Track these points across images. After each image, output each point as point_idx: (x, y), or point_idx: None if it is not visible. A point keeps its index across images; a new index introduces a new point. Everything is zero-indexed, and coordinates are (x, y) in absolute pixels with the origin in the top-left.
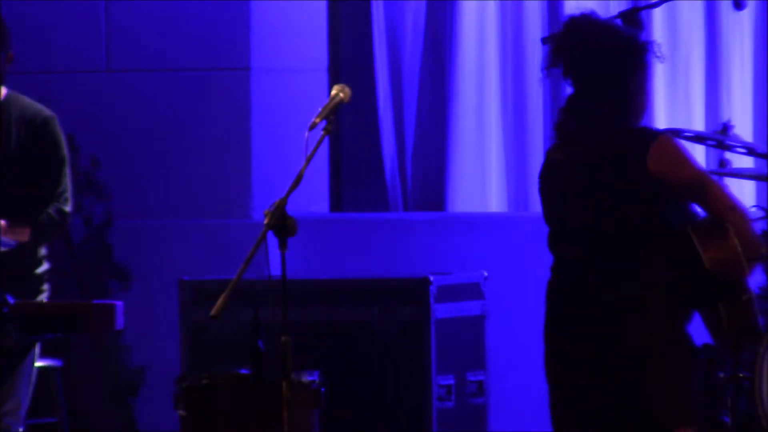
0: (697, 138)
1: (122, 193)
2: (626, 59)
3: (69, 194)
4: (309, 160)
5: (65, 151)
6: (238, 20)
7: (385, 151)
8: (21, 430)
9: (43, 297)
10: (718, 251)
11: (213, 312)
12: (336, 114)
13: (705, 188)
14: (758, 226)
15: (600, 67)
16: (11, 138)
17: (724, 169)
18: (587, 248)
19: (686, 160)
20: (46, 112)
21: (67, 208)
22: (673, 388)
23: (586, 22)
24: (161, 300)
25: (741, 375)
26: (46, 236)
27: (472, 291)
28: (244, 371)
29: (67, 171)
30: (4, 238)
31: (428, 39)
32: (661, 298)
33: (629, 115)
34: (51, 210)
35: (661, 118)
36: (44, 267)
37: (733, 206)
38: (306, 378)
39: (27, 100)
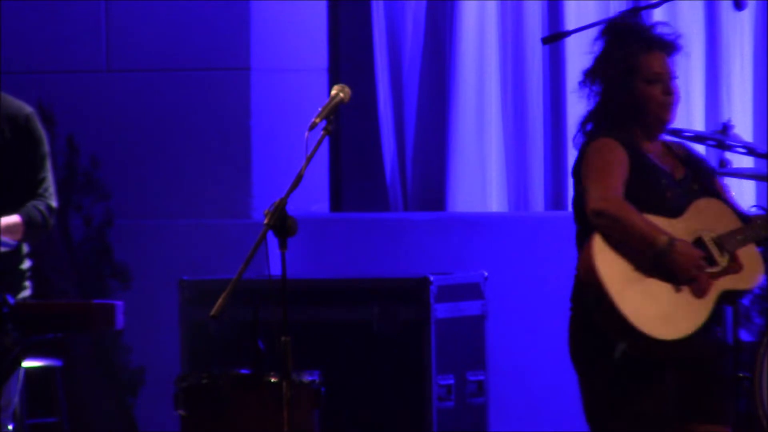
0: (697, 138)
1: (122, 193)
2: (628, 65)
3: (53, 189)
4: (309, 160)
5: (47, 146)
6: (238, 20)
7: (385, 151)
8: (11, 427)
9: (25, 294)
10: (581, 257)
11: (213, 312)
12: (336, 114)
13: (585, 192)
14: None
15: (608, 72)
16: None
17: (724, 169)
18: None
19: (587, 164)
20: (28, 108)
21: (54, 204)
22: (581, 384)
23: (613, 24)
24: (161, 300)
25: (741, 375)
26: (36, 233)
27: (472, 291)
28: (244, 371)
29: (50, 165)
30: (5, 239)
31: (428, 39)
32: (575, 293)
33: (634, 120)
34: (41, 206)
35: None
36: (27, 264)
37: (601, 212)
38: (306, 378)
39: (6, 96)
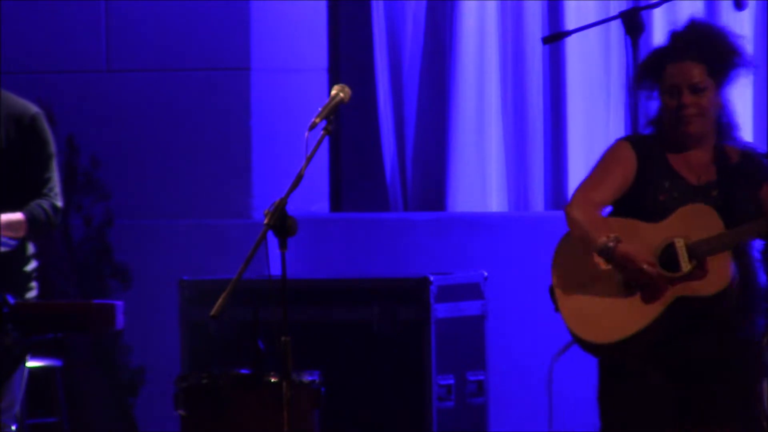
0: None
1: (122, 193)
2: (656, 75)
3: (59, 189)
4: (309, 160)
5: (53, 147)
6: (238, 20)
7: (385, 151)
8: (14, 427)
9: (31, 294)
10: None
11: (213, 312)
12: (336, 114)
13: None
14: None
15: (642, 82)
16: (0, 135)
17: None
18: None
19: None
20: (34, 108)
21: (59, 203)
22: None
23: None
24: (161, 300)
25: None
26: (40, 232)
27: (472, 291)
28: (244, 371)
29: (56, 166)
30: (5, 238)
31: (428, 39)
32: None
33: (662, 126)
34: (45, 205)
35: None
36: (33, 265)
37: (566, 213)
38: (306, 378)
39: (13, 97)
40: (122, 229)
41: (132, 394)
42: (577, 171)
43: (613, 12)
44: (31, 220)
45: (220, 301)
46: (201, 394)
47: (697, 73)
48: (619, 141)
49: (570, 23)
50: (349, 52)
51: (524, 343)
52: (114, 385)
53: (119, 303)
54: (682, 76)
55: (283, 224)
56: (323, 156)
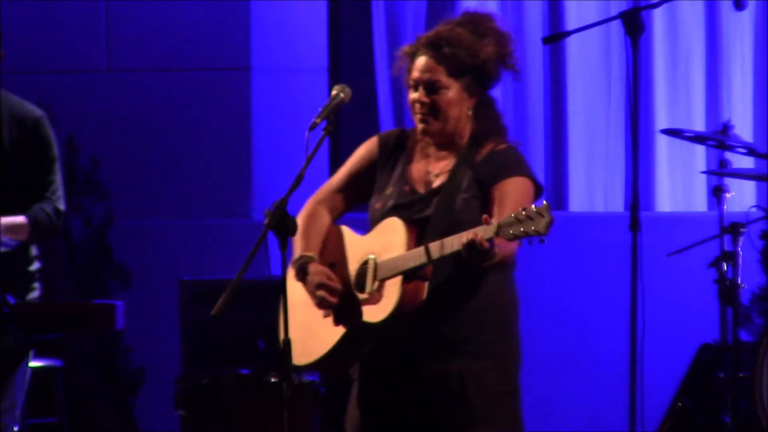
0: (697, 138)
1: (122, 193)
2: (404, 68)
3: (62, 192)
4: (309, 160)
5: (56, 150)
6: (238, 20)
7: None
8: (16, 428)
9: (34, 295)
10: None
11: (213, 312)
12: (336, 114)
13: None
14: (759, 226)
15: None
16: (3, 138)
17: (724, 169)
18: None
19: None
20: (37, 111)
21: (62, 207)
22: None
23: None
24: (161, 300)
25: (741, 375)
26: (43, 235)
27: None
28: (244, 371)
29: (59, 169)
30: (5, 239)
31: None
32: None
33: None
34: (47, 209)
35: (662, 118)
36: (36, 265)
37: (297, 217)
38: (306, 378)
39: (16, 99)
40: (122, 229)
41: (132, 394)
42: (577, 171)
43: (613, 12)
44: (33, 223)
45: (220, 301)
46: (201, 394)
47: (434, 71)
48: (373, 137)
49: (570, 23)
50: (349, 52)
51: (524, 342)
52: (114, 385)
53: (119, 303)
54: (421, 70)
55: (283, 224)
56: (323, 156)
